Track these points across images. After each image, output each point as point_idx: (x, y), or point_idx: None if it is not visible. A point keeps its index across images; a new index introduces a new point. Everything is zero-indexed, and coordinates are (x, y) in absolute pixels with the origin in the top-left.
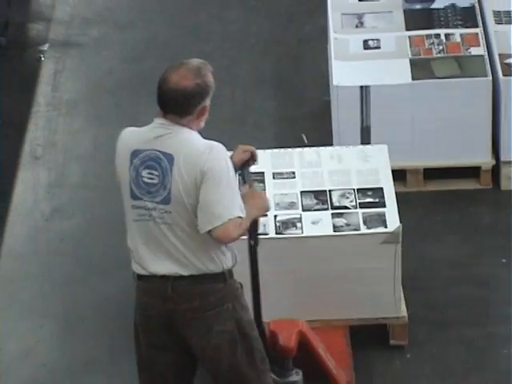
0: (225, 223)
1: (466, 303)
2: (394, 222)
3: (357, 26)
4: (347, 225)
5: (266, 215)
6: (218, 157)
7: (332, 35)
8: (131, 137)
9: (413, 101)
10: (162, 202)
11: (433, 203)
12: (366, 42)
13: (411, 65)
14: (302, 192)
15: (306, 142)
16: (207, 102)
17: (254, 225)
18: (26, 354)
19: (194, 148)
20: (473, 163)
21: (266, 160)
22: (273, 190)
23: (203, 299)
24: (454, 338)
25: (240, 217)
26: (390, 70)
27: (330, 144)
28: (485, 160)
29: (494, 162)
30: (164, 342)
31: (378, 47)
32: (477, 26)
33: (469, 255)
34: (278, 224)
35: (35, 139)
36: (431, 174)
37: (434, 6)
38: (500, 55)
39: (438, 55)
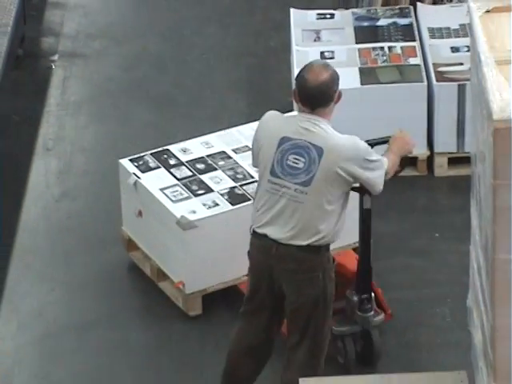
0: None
1: (405, 270)
2: None
3: (315, 40)
4: None
5: (411, 152)
6: (359, 146)
7: (294, 48)
8: (279, 124)
9: (361, 102)
10: (301, 184)
11: None
12: (322, 53)
13: (360, 72)
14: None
15: None
16: (339, 89)
17: (401, 161)
18: (39, 314)
19: (341, 144)
20: (413, 154)
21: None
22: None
23: (298, 264)
24: (394, 300)
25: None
26: (342, 77)
27: None
28: (421, 151)
29: (428, 153)
30: (265, 288)
31: (332, 57)
32: (414, 40)
33: (407, 230)
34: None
35: (47, 134)
36: None
37: (379, 23)
38: (434, 64)
39: (383, 64)
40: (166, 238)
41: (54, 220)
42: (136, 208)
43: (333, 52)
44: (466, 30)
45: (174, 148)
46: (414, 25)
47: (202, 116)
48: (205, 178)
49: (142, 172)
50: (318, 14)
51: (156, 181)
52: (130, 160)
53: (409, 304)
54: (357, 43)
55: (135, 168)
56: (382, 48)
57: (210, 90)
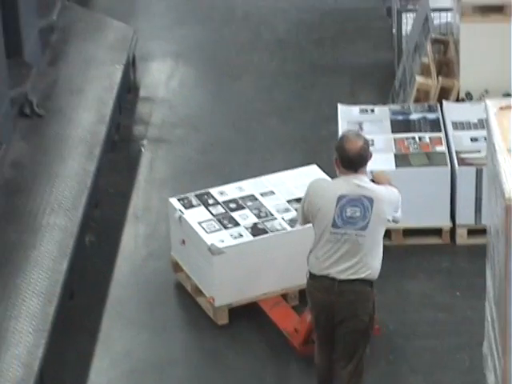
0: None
1: (431, 322)
2: None
3: (358, 129)
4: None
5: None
6: (395, 194)
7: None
8: (331, 186)
9: (396, 183)
10: (360, 229)
11: (409, 253)
12: None
13: (395, 157)
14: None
15: None
16: (371, 150)
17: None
18: (127, 353)
19: (385, 193)
20: (437, 226)
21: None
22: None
23: (356, 295)
24: (421, 347)
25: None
26: (380, 161)
27: None
28: (445, 223)
29: (451, 225)
30: (324, 320)
31: (372, 145)
32: (440, 131)
33: (433, 289)
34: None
35: (137, 205)
36: (408, 232)
37: (411, 117)
38: (456, 152)
39: (414, 151)
40: (201, 262)
41: (140, 275)
42: (180, 238)
43: (373, 140)
44: (483, 124)
45: (214, 190)
46: (440, 119)
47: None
48: (234, 214)
49: (186, 208)
50: (361, 109)
51: (196, 216)
52: (178, 199)
53: (434, 350)
54: (393, 133)
55: (181, 205)
56: (413, 138)
57: (271, 170)
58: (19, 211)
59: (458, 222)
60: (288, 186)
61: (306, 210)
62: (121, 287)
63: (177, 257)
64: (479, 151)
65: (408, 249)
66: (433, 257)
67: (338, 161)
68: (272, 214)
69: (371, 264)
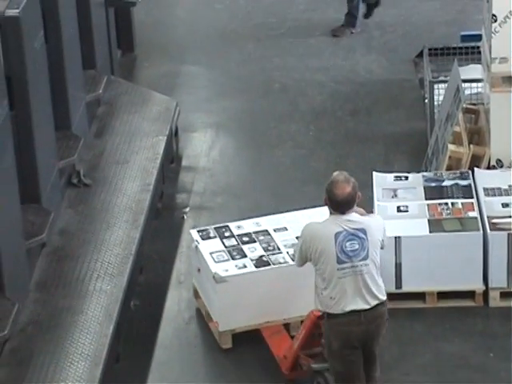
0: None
1: (465, 382)
2: None
3: (392, 197)
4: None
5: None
6: (382, 220)
7: (376, 203)
8: (325, 227)
9: (430, 247)
10: (362, 259)
11: (443, 315)
12: (398, 207)
13: (429, 223)
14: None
15: None
16: (359, 192)
17: None
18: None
19: (372, 221)
20: (471, 288)
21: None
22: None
23: (381, 318)
24: None
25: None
26: (414, 227)
27: None
28: (478, 286)
29: (484, 288)
30: (356, 349)
31: (407, 211)
32: (472, 198)
33: (467, 350)
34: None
35: (179, 270)
36: (442, 295)
37: (444, 184)
38: (488, 217)
39: (447, 217)
40: (210, 289)
41: (183, 338)
42: (196, 266)
43: (407, 206)
44: None
45: (232, 224)
46: (472, 185)
47: None
48: (244, 247)
49: (203, 239)
50: (395, 177)
51: (210, 246)
52: (198, 231)
53: None
54: (426, 199)
55: (199, 236)
56: (446, 204)
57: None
58: (67, 277)
59: (490, 284)
60: (301, 223)
61: (304, 252)
62: (165, 350)
63: (196, 284)
64: (510, 216)
65: (442, 311)
66: (466, 319)
67: (327, 202)
68: (279, 248)
69: (380, 286)
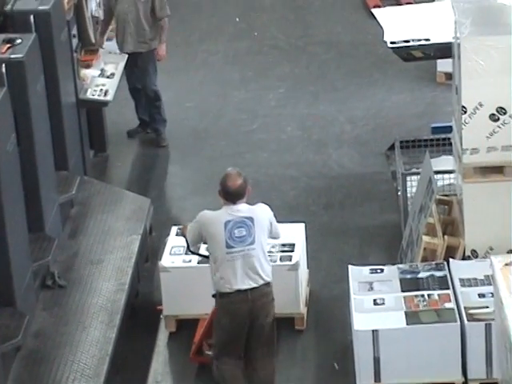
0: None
1: None
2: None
3: (368, 290)
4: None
5: None
6: (269, 210)
7: (352, 296)
8: (217, 215)
9: (407, 340)
10: (249, 244)
11: None
12: (375, 300)
13: (405, 315)
14: None
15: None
16: (249, 186)
17: None
18: None
19: (259, 210)
20: (450, 380)
21: None
22: None
23: (266, 297)
24: None
25: None
26: (390, 319)
27: None
28: (458, 378)
29: (463, 380)
30: (242, 327)
31: (383, 303)
32: (448, 288)
33: None
34: None
35: (156, 369)
36: None
37: (420, 275)
38: (465, 308)
39: (424, 308)
40: None
41: None
42: None
43: (383, 299)
44: (490, 280)
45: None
46: (448, 276)
47: None
48: (203, 246)
49: (177, 235)
50: (371, 270)
51: (176, 241)
52: (178, 228)
53: None
54: (402, 292)
55: (175, 231)
56: (422, 295)
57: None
58: (43, 380)
59: (469, 376)
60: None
61: (197, 236)
62: None
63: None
64: (487, 306)
65: None
66: None
67: (221, 193)
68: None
69: (266, 268)
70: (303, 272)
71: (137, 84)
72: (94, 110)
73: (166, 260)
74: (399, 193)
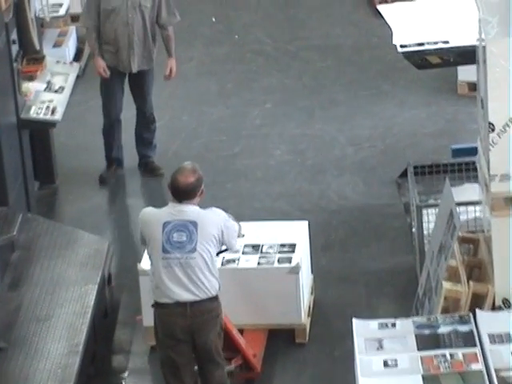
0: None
1: None
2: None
3: (378, 349)
4: (267, 262)
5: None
6: (223, 216)
7: (357, 356)
8: (157, 214)
9: None
10: (189, 251)
11: None
12: (385, 362)
13: (423, 379)
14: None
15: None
16: (202, 187)
17: None
18: None
19: (208, 215)
20: None
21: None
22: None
23: (208, 314)
24: None
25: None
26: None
27: None
28: None
29: None
30: (181, 342)
31: (395, 365)
32: (475, 346)
33: None
34: (223, 261)
35: None
36: None
37: (440, 331)
38: (496, 370)
39: (445, 371)
40: None
41: None
42: None
43: (396, 360)
44: None
45: None
46: (475, 331)
47: None
48: None
49: None
50: (380, 324)
51: None
52: None
53: None
54: (419, 351)
55: None
56: (443, 355)
57: None
58: None
59: None
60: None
61: (141, 235)
62: None
63: None
64: None
65: None
66: None
67: (169, 187)
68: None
69: (210, 281)
70: (305, 277)
71: (120, 114)
72: (39, 132)
73: (146, 262)
74: (414, 229)
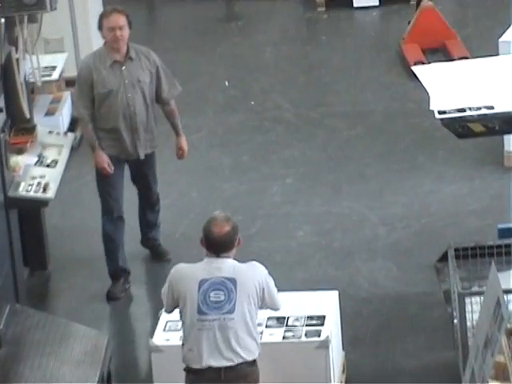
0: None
1: None
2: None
3: None
4: (294, 336)
5: None
6: (259, 267)
7: None
8: (193, 270)
9: None
10: (227, 312)
11: None
12: None
13: None
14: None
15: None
16: (239, 236)
17: None
18: None
19: (248, 271)
20: None
21: None
22: None
23: (245, 379)
24: None
25: None
26: None
27: None
28: None
29: None
30: None
31: None
32: None
33: None
34: None
35: None
36: None
37: None
38: None
39: None
40: None
41: None
42: None
43: None
44: None
45: None
46: None
47: None
48: None
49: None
50: None
51: (171, 316)
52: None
53: None
54: None
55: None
56: None
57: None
58: None
59: None
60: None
61: (171, 296)
62: None
63: None
64: None
65: None
66: None
67: (203, 242)
68: None
69: (248, 344)
70: (336, 352)
71: (122, 209)
72: (29, 212)
73: (159, 337)
74: (455, 321)
